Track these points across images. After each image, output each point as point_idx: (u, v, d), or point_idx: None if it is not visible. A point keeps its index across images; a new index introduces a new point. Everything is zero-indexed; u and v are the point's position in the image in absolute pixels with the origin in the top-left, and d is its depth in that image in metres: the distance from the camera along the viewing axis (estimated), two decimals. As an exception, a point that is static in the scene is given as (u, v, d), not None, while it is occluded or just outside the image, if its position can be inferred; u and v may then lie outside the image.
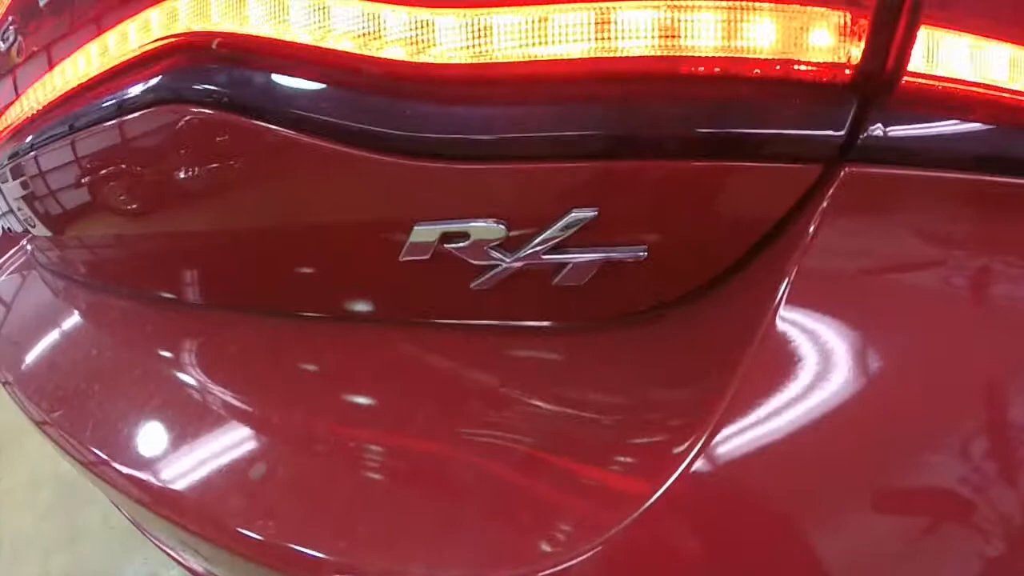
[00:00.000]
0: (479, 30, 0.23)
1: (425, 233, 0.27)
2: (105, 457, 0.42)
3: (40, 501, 1.67)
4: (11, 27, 0.47)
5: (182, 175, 0.35)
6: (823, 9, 0.23)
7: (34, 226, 0.66)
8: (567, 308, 0.29)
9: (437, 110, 0.25)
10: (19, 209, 0.66)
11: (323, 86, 0.26)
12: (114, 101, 0.37)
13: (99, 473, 0.43)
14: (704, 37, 0.21)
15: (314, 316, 0.36)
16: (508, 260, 0.27)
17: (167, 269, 0.45)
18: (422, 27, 0.23)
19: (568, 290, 0.27)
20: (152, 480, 0.37)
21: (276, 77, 0.27)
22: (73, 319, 0.64)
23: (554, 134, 0.24)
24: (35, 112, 0.48)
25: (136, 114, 0.35)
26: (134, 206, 0.43)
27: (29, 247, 0.79)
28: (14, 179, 0.61)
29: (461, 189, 0.26)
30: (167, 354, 0.45)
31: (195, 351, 0.44)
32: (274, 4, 0.27)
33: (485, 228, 0.26)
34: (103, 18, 0.36)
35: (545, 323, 0.30)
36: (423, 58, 0.24)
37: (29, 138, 0.50)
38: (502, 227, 0.26)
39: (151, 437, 0.41)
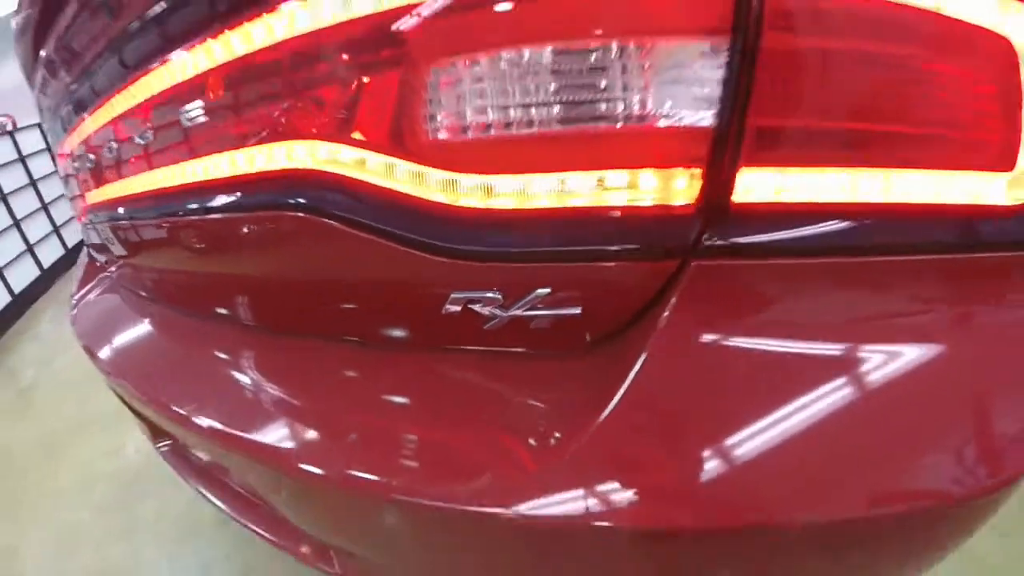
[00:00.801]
0: (485, 188, 0.38)
1: (458, 297, 0.43)
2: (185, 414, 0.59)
3: (95, 497, 1.80)
4: (150, 127, 0.63)
5: (283, 262, 0.52)
6: (677, 169, 0.36)
7: (125, 256, 0.84)
8: (539, 341, 0.44)
9: (464, 232, 0.40)
10: (112, 245, 0.85)
11: (394, 213, 0.41)
12: (237, 199, 0.52)
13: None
14: (602, 192, 0.36)
15: (374, 343, 0.52)
16: (503, 314, 0.42)
17: (260, 308, 0.62)
18: (451, 183, 0.39)
19: (539, 330, 0.43)
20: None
21: (366, 203, 0.42)
22: (148, 328, 0.81)
23: (526, 249, 0.40)
24: (161, 189, 0.64)
25: (252, 213, 0.51)
26: (233, 272, 0.60)
27: (115, 273, 0.98)
28: (120, 230, 0.78)
29: (478, 276, 0.42)
30: (260, 369, 0.61)
31: (266, 363, 0.61)
32: (358, 158, 0.43)
33: (491, 296, 0.42)
34: (233, 138, 0.52)
35: (524, 350, 0.45)
36: (457, 202, 0.40)
37: (154, 206, 0.66)
38: (500, 296, 0.42)
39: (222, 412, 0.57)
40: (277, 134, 0.47)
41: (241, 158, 0.51)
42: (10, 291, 3.73)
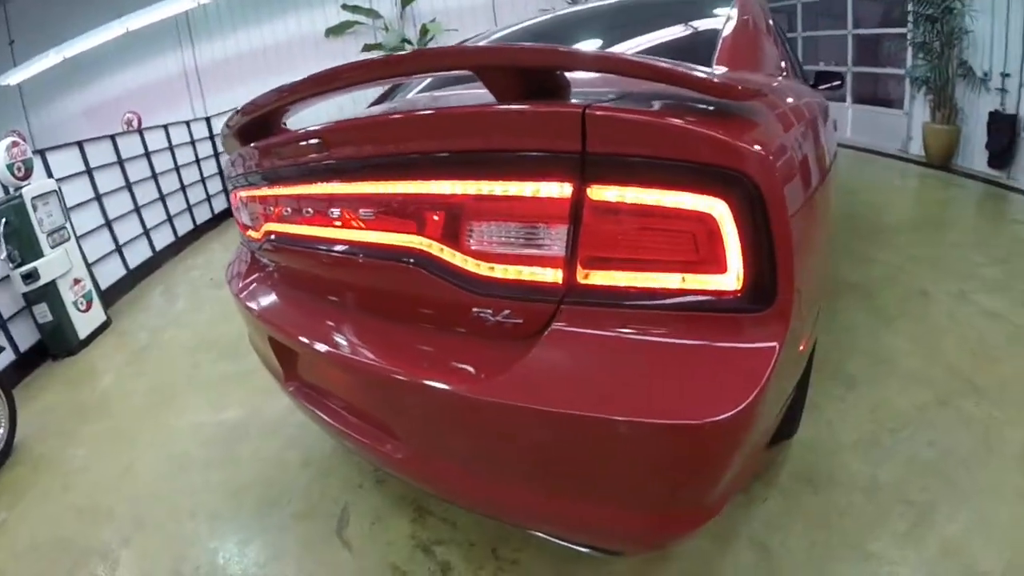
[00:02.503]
0: (488, 268, 0.87)
1: (475, 310, 0.88)
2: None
3: (201, 437, 2.22)
4: (339, 206, 1.07)
5: (391, 284, 1.00)
6: (557, 270, 0.81)
7: (283, 261, 1.35)
8: (505, 332, 0.87)
9: (479, 283, 0.87)
10: (282, 255, 1.34)
11: (452, 271, 0.89)
12: (381, 252, 0.99)
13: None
14: (531, 276, 0.84)
15: (431, 326, 0.98)
16: (492, 319, 0.87)
17: (365, 301, 1.11)
18: (476, 264, 0.88)
19: (505, 327, 0.87)
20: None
21: (441, 265, 0.90)
22: (286, 297, 1.33)
23: (502, 293, 0.87)
24: (335, 238, 1.10)
25: (386, 260, 0.98)
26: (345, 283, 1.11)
27: (272, 268, 1.46)
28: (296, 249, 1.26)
29: (483, 303, 0.87)
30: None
31: (357, 324, 1.11)
32: (439, 247, 0.89)
33: (488, 311, 0.87)
34: (390, 225, 0.97)
35: (499, 335, 0.88)
36: (477, 271, 0.87)
37: (324, 243, 1.12)
38: (491, 311, 0.86)
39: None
40: (407, 229, 0.95)
41: (387, 236, 0.99)
42: (126, 266, 4.44)
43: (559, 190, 0.78)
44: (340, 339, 1.08)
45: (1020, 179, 4.98)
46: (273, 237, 1.33)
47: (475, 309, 0.88)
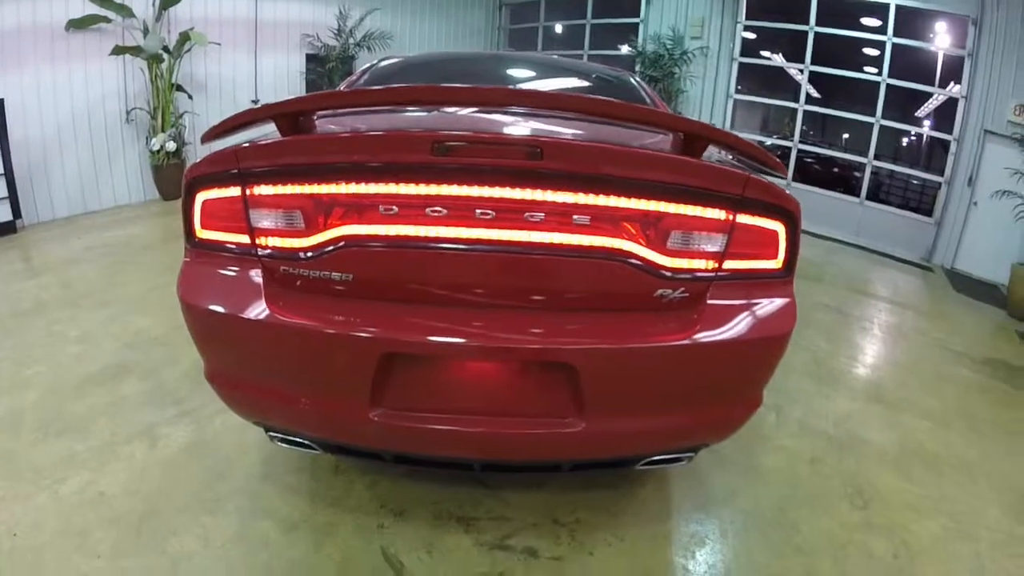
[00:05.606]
0: (673, 261, 1.41)
1: (659, 291, 1.38)
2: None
3: (94, 544, 1.67)
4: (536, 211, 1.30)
5: (574, 278, 1.36)
6: (711, 261, 1.38)
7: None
8: (678, 305, 1.39)
9: (665, 271, 1.39)
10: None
11: (644, 263, 1.37)
12: (582, 251, 1.32)
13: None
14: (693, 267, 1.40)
15: (618, 309, 1.40)
16: (670, 297, 1.39)
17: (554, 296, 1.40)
18: (662, 256, 1.40)
19: (678, 301, 1.40)
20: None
21: (637, 259, 1.35)
22: (398, 308, 1.38)
23: (679, 276, 1.41)
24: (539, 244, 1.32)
25: (586, 258, 1.32)
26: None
27: (339, 281, 1.34)
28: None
29: (665, 284, 1.39)
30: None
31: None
32: (636, 247, 1.35)
33: (667, 291, 1.39)
34: (595, 228, 1.31)
35: (673, 306, 1.40)
36: (668, 264, 1.40)
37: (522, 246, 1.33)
38: (671, 291, 1.38)
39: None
40: (610, 233, 1.32)
41: (591, 238, 1.32)
42: None
43: (726, 215, 1.33)
44: (524, 333, 1.33)
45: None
46: (361, 242, 1.29)
47: (659, 291, 1.36)
